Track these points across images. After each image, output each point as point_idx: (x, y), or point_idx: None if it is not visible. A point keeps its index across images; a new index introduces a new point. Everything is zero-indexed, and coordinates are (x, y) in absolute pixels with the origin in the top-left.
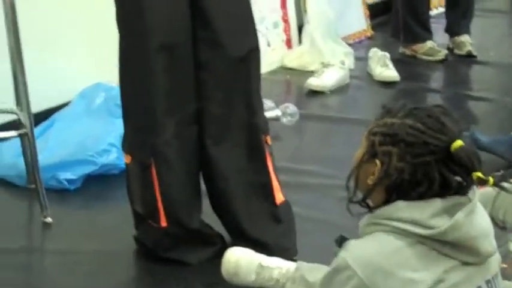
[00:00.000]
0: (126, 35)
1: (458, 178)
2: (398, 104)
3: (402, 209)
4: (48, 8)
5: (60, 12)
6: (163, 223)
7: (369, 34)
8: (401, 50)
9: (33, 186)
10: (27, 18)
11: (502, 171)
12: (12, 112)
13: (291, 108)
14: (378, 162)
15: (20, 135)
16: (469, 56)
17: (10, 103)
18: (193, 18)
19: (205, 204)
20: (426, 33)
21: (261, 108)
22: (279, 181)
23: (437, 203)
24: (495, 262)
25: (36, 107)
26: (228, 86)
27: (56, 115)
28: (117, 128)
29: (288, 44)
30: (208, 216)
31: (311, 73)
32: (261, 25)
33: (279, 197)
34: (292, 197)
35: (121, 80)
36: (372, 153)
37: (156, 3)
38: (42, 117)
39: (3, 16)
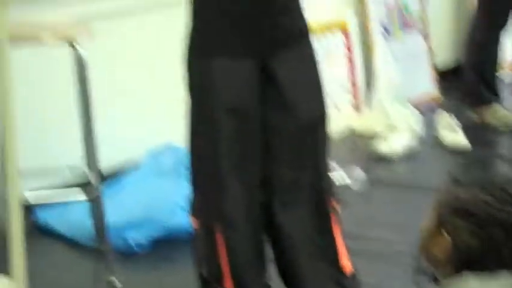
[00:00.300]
0: (195, 97)
1: None
2: (467, 175)
3: (471, 283)
4: (118, 67)
5: (131, 71)
6: (229, 287)
7: (437, 98)
8: (470, 114)
9: (101, 247)
10: (97, 76)
11: None
12: (81, 173)
13: (358, 172)
14: (446, 234)
15: (89, 198)
16: None
17: (79, 160)
18: (263, 82)
19: (271, 268)
20: (495, 98)
21: (328, 172)
22: (345, 246)
23: (508, 278)
24: None
25: (106, 165)
26: (296, 150)
27: (125, 175)
28: (185, 189)
29: (356, 107)
30: (273, 280)
31: (379, 137)
32: (329, 88)
33: (346, 264)
34: (358, 263)
35: (189, 142)
36: (440, 226)
37: (225, 68)
38: (111, 176)
39: (74, 74)
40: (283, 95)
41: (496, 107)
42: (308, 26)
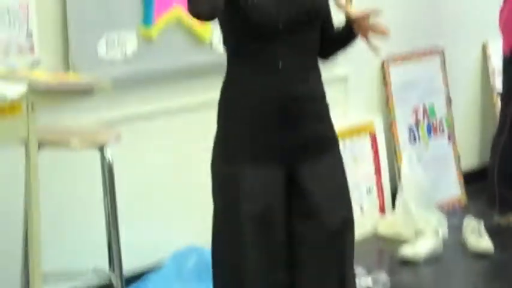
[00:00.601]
0: (220, 202)
1: None
2: (491, 282)
3: None
4: (142, 169)
5: (155, 174)
6: None
7: (463, 202)
8: (496, 219)
9: None
10: (122, 178)
11: None
12: (105, 275)
13: (383, 276)
14: None
15: None
16: None
17: (102, 261)
18: (290, 189)
19: None
20: None
21: (353, 277)
22: None
23: None
24: None
25: (129, 267)
26: (320, 257)
27: (148, 278)
28: None
29: (382, 210)
30: None
31: (404, 241)
32: (354, 191)
33: None
34: None
35: (213, 246)
36: None
37: (251, 175)
38: (135, 278)
39: (101, 177)
40: (310, 204)
41: None
42: (336, 133)
